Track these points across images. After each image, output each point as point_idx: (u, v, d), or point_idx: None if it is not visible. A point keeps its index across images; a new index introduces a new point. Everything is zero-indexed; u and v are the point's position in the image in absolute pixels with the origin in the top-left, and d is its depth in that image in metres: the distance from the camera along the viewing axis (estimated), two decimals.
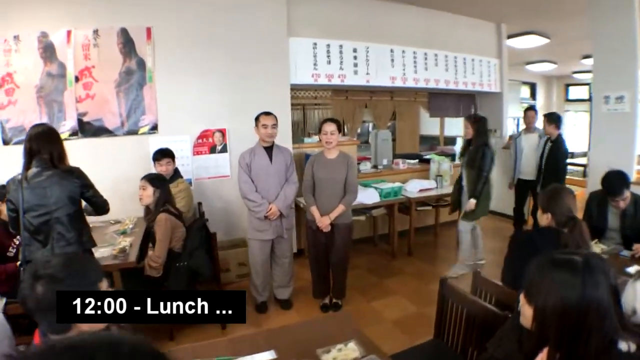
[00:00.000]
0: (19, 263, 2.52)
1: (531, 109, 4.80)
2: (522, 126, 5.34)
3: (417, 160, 5.80)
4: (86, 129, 3.78)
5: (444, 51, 5.24)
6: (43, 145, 2.27)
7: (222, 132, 4.23)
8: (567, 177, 4.89)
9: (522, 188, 4.83)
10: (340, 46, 4.67)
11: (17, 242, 2.86)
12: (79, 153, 3.78)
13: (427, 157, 5.61)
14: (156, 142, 3.92)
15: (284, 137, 4.40)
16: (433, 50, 5.16)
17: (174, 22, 3.91)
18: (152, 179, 3.01)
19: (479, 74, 5.61)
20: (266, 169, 3.25)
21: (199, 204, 4.15)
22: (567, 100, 10.91)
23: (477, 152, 3.78)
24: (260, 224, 3.27)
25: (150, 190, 2.98)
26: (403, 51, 5.00)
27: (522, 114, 5.89)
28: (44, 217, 2.26)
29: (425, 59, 5.14)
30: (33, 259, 2.20)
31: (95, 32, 3.69)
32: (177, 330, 3.10)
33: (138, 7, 3.78)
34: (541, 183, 4.40)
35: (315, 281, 3.44)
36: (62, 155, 2.36)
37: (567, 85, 10.81)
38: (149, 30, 3.83)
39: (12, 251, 2.84)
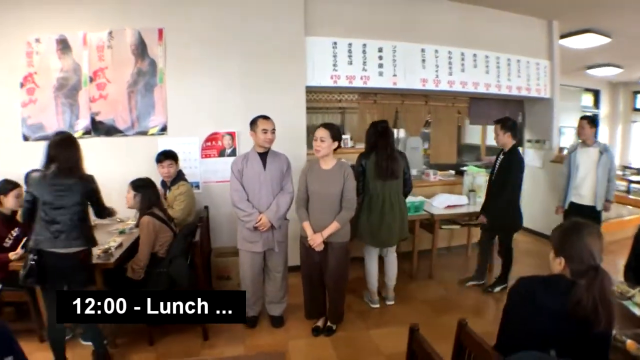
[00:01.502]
0: (21, 247, 2.79)
1: (585, 118, 3.90)
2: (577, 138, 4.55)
3: (452, 172, 5.27)
4: (99, 128, 3.86)
5: (484, 51, 4.65)
6: (62, 153, 2.45)
7: (232, 136, 4.11)
8: (632, 197, 4.03)
9: (574, 215, 3.94)
10: (364, 45, 4.33)
11: (15, 234, 2.96)
12: (92, 151, 3.81)
13: (465, 168, 5.04)
14: (165, 143, 3.90)
15: (298, 142, 4.20)
16: (471, 50, 4.61)
17: (186, 22, 3.87)
18: (133, 183, 2.96)
19: (525, 77, 4.91)
20: (258, 176, 3.02)
21: (206, 207, 4.07)
22: (635, 109, 9.50)
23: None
24: (250, 235, 3.05)
25: (131, 194, 2.94)
26: (436, 51, 4.52)
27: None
28: (58, 212, 2.41)
29: (462, 59, 4.61)
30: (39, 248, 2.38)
31: (110, 34, 3.76)
32: (157, 336, 3.01)
33: (150, 9, 3.80)
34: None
35: (308, 301, 3.15)
36: (78, 162, 2.54)
37: (635, 93, 9.42)
38: (160, 31, 3.83)
39: (8, 242, 2.93)
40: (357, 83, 4.38)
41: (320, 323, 3.15)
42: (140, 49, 3.82)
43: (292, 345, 2.97)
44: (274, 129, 3.01)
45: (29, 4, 3.59)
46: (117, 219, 3.65)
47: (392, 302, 3.58)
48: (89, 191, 2.54)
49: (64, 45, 3.69)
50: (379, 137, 3.29)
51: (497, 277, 3.89)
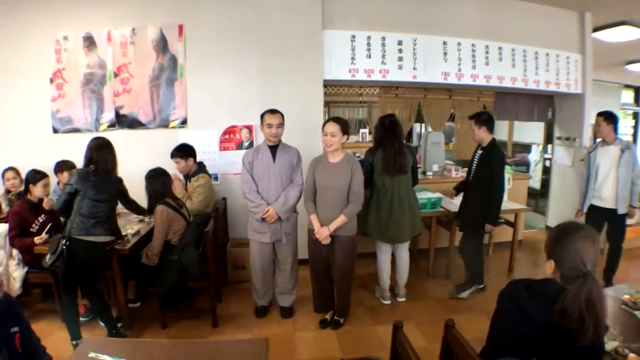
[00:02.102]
0: (45, 232, 3.00)
1: (601, 114, 3.54)
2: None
3: None
4: (122, 121, 4.02)
5: (510, 44, 4.44)
6: (102, 156, 2.77)
7: (249, 129, 4.16)
8: None
9: (595, 218, 3.64)
10: (383, 38, 4.25)
11: (41, 220, 3.15)
12: (116, 143, 4.01)
13: None
14: (185, 136, 4.02)
15: (316, 136, 4.19)
16: (496, 43, 4.41)
17: (205, 18, 3.95)
18: (146, 175, 3.07)
19: (554, 72, 4.64)
20: (268, 168, 3.06)
21: (224, 199, 4.16)
22: None
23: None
24: (258, 226, 3.11)
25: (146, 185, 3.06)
26: (459, 43, 4.37)
27: (626, 123, 4.79)
28: (99, 205, 2.70)
29: (487, 52, 4.42)
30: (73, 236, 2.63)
31: (132, 30, 3.89)
32: (170, 321, 3.15)
33: (171, 5, 3.91)
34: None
35: (315, 294, 3.16)
36: (114, 164, 2.86)
37: None
38: (180, 27, 3.92)
39: (34, 227, 3.12)
40: (376, 77, 4.31)
41: (328, 316, 3.16)
42: (162, 44, 3.93)
43: (297, 336, 3.00)
44: (279, 124, 3.03)
45: (58, 4, 3.79)
46: None
47: (403, 299, 3.53)
48: (121, 191, 2.91)
49: (89, 42, 3.87)
50: (386, 131, 3.22)
51: (465, 281, 3.70)
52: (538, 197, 5.72)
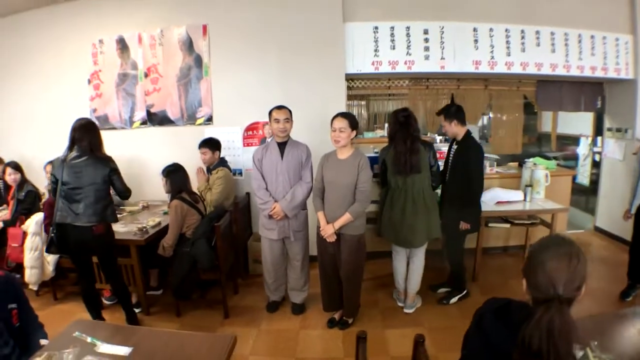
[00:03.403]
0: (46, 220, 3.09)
1: None
2: None
3: (516, 164, 4.77)
4: (153, 118, 4.25)
5: (549, 27, 4.04)
6: (83, 135, 2.70)
7: None
8: None
9: None
10: (407, 28, 4.08)
11: None
12: (147, 139, 4.34)
13: (531, 160, 4.48)
14: (211, 133, 4.16)
15: None
16: (533, 27, 4.04)
17: (227, 17, 4.05)
18: (164, 170, 3.22)
19: (601, 56, 4.15)
20: (276, 165, 3.07)
21: (247, 194, 4.25)
22: None
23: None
24: (267, 222, 3.14)
25: (164, 180, 3.21)
26: (491, 29, 4.07)
27: None
28: (76, 191, 2.67)
29: (522, 37, 4.08)
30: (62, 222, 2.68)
31: (160, 32, 4.08)
32: (184, 309, 3.29)
33: (195, 6, 4.04)
34: None
35: (324, 292, 3.11)
36: (98, 144, 2.78)
37: None
38: (204, 27, 4.05)
39: None
40: (401, 68, 4.16)
41: (336, 315, 3.11)
42: (187, 44, 4.09)
43: (303, 333, 2.99)
44: (286, 118, 3.02)
45: (94, 10, 4.09)
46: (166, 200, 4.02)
47: (410, 311, 3.27)
48: (110, 170, 2.75)
49: (122, 45, 4.13)
50: (399, 128, 3.01)
51: (451, 287, 3.47)
52: (588, 194, 5.20)
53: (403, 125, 3.00)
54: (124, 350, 1.55)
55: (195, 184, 3.65)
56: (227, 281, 3.38)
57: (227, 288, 3.35)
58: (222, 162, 3.81)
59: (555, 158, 5.20)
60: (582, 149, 5.16)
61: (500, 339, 1.11)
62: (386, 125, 5.19)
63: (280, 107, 3.06)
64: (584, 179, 5.14)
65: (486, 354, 1.14)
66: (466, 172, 3.08)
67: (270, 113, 3.07)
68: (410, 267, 3.25)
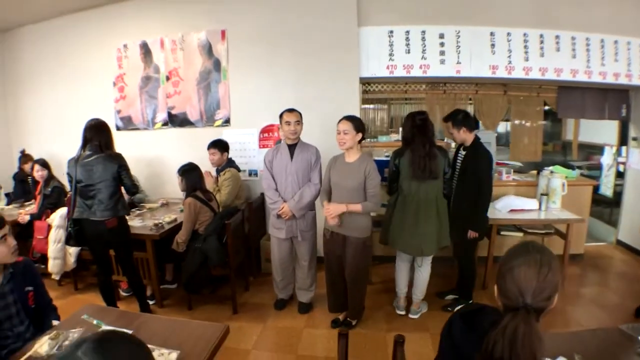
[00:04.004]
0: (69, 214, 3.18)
1: None
2: None
3: (535, 172, 4.65)
4: (174, 120, 4.43)
5: (570, 31, 3.93)
6: (94, 135, 2.87)
7: None
8: None
9: None
10: (423, 32, 4.08)
11: None
12: (168, 140, 4.52)
13: (549, 168, 4.36)
14: (228, 134, 4.30)
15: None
16: (552, 31, 3.94)
17: (244, 22, 4.17)
18: (179, 169, 3.35)
19: (625, 62, 3.99)
20: (285, 167, 3.15)
21: (262, 194, 4.34)
22: None
23: None
24: (276, 222, 3.22)
25: (179, 178, 3.34)
26: (508, 33, 4.01)
27: None
28: (89, 188, 2.83)
29: (541, 42, 3.99)
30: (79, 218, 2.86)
31: (182, 37, 4.25)
32: (196, 303, 3.42)
33: (214, 12, 4.19)
34: None
35: (329, 293, 3.15)
36: (108, 143, 2.93)
37: None
38: (223, 32, 4.19)
39: None
40: (416, 72, 4.15)
41: (341, 316, 3.15)
42: (207, 49, 4.24)
43: (306, 332, 3.03)
44: (297, 121, 3.09)
45: (118, 16, 4.33)
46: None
47: (416, 316, 3.24)
48: (119, 167, 2.86)
49: (145, 50, 4.33)
50: (417, 131, 2.93)
51: (459, 294, 3.41)
52: (611, 206, 5.00)
53: (421, 128, 2.93)
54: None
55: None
56: (238, 278, 3.48)
57: (238, 285, 3.45)
58: (230, 163, 3.91)
59: (579, 167, 5.05)
60: (606, 159, 4.97)
61: (466, 343, 1.11)
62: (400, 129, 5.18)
63: (291, 110, 3.13)
64: (607, 189, 4.94)
65: (453, 358, 1.15)
66: (475, 180, 3.03)
67: (281, 116, 3.14)
68: (416, 274, 3.21)
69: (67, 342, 1.55)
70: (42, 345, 1.52)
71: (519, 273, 1.07)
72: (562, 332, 1.80)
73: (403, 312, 3.28)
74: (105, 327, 1.70)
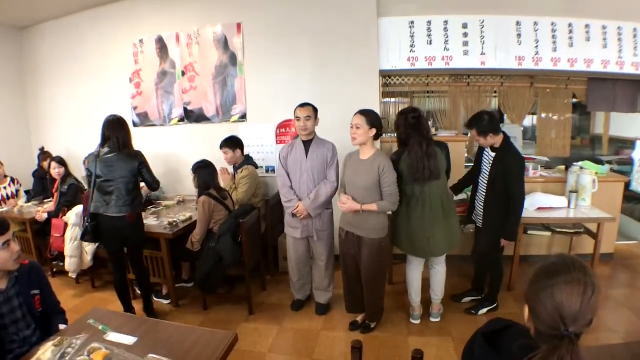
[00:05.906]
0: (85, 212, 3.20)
1: None
2: None
3: (564, 168, 4.45)
4: (190, 116, 4.38)
5: (601, 20, 3.72)
6: (113, 132, 2.88)
7: None
8: None
9: None
10: (445, 22, 3.93)
11: None
12: (184, 136, 4.48)
13: (578, 164, 4.15)
14: (245, 130, 4.23)
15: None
16: (582, 20, 3.75)
17: (261, 15, 4.07)
18: (194, 166, 3.29)
19: None
20: (300, 164, 3.04)
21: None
22: None
23: None
24: (291, 221, 3.12)
25: (193, 176, 3.29)
26: (535, 23, 3.82)
27: None
28: (109, 183, 2.84)
29: (570, 32, 3.79)
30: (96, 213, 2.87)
31: (197, 31, 4.18)
32: (211, 304, 3.37)
33: (230, 5, 4.11)
34: None
35: (346, 294, 3.05)
36: (127, 140, 2.93)
37: None
38: (239, 25, 4.10)
39: None
40: (438, 64, 4.01)
41: (359, 318, 3.04)
42: (222, 43, 4.16)
43: (323, 335, 2.94)
44: (308, 116, 2.96)
45: (134, 11, 4.29)
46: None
47: (437, 320, 3.10)
48: (139, 164, 2.89)
49: (161, 45, 4.28)
50: (412, 131, 2.74)
51: (484, 297, 3.25)
52: None
53: (415, 127, 2.75)
54: (129, 340, 1.63)
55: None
56: (254, 278, 3.40)
57: (255, 284, 3.38)
58: (248, 160, 3.82)
59: (608, 162, 4.82)
60: (638, 154, 4.74)
61: None
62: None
63: (303, 105, 3.01)
64: (638, 186, 4.71)
65: None
66: (507, 189, 2.83)
67: (295, 111, 3.04)
68: (432, 275, 3.07)
69: (70, 349, 1.51)
70: (46, 352, 1.48)
71: (560, 295, 0.91)
72: (590, 347, 1.61)
73: (418, 321, 3.08)
74: (110, 333, 1.66)
